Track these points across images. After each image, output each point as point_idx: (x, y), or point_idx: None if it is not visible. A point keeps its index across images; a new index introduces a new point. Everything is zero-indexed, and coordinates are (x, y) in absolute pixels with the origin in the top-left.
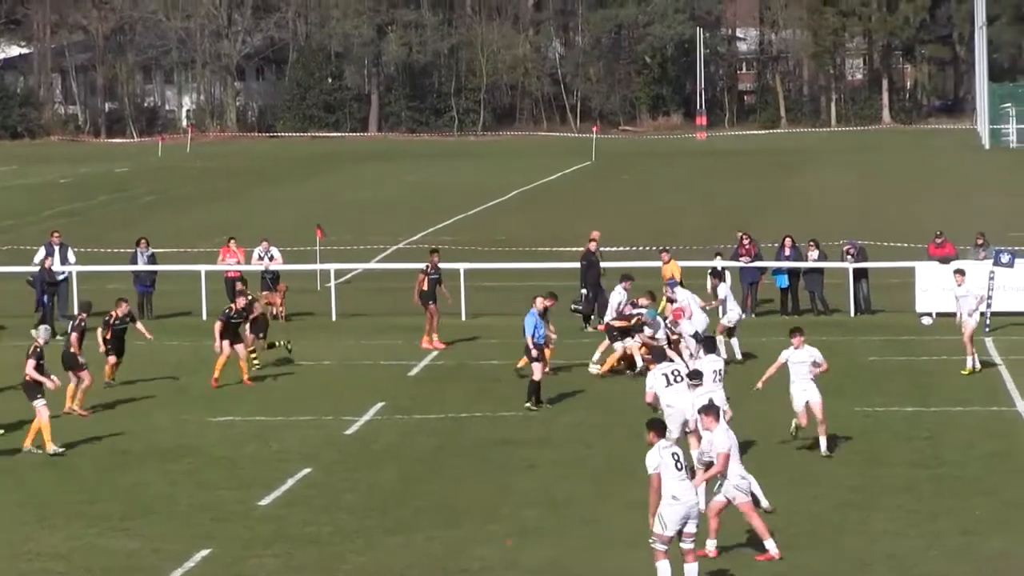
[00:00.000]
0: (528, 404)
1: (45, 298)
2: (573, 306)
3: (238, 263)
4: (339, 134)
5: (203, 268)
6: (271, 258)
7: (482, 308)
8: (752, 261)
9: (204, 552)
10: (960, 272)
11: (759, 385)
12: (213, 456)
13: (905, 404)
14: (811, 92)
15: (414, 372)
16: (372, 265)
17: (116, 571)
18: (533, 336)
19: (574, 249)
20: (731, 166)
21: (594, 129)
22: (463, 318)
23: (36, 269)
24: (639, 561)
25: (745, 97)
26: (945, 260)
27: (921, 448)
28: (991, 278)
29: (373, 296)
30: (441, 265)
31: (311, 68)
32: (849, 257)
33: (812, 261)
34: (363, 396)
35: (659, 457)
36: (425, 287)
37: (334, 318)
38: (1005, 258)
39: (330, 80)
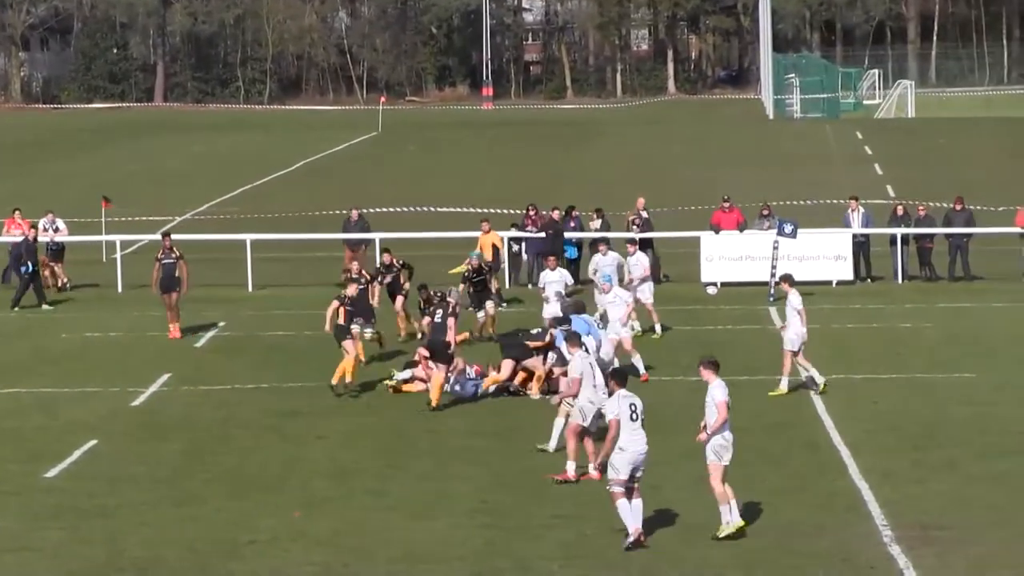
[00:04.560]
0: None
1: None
2: None
3: (23, 234)
4: (125, 104)
5: None
6: (56, 229)
7: (268, 279)
8: (538, 232)
9: None
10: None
11: None
12: None
13: (691, 374)
14: (597, 63)
15: (200, 343)
16: (158, 236)
17: None
18: None
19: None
20: (518, 137)
21: (381, 100)
22: (249, 289)
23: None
24: (424, 531)
25: (531, 68)
26: (718, 230)
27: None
28: (775, 248)
29: None
30: (226, 236)
31: (96, 38)
32: (635, 227)
33: (595, 231)
34: (149, 367)
35: (618, 406)
36: (160, 274)
37: (120, 289)
38: (788, 228)
39: (115, 50)
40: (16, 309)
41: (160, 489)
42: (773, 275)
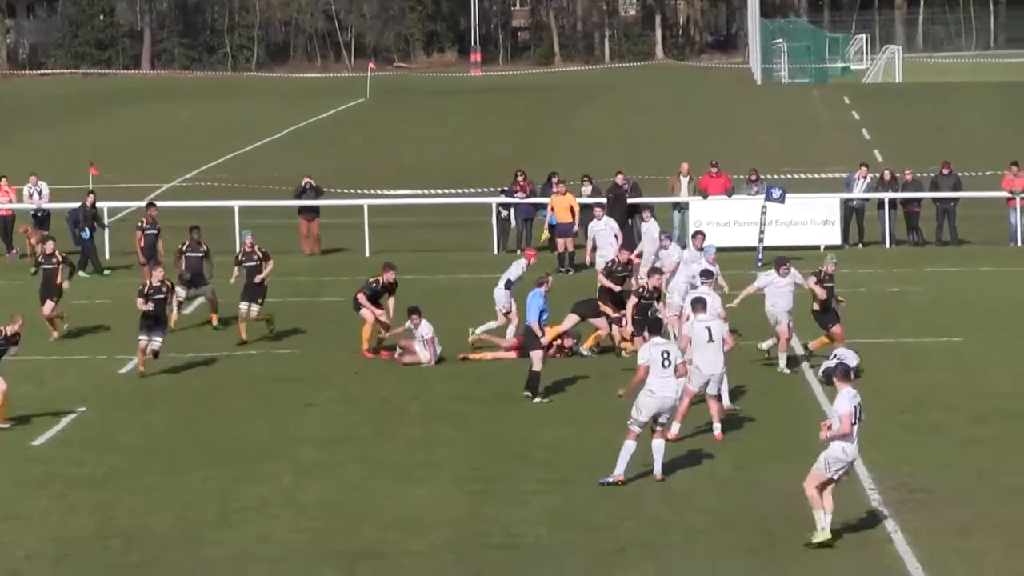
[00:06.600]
0: (528, 395)
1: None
2: None
3: (10, 202)
4: (111, 71)
5: None
6: (40, 193)
7: None
8: (527, 197)
9: None
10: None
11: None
12: None
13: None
14: (585, 28)
15: (189, 310)
16: (143, 204)
17: None
18: (539, 320)
19: (345, 190)
20: (506, 103)
21: (370, 66)
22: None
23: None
24: (413, 498)
25: (519, 34)
26: (706, 195)
27: None
28: (763, 213)
29: None
30: (214, 203)
31: (82, 5)
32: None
33: (586, 197)
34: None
35: (649, 353)
36: (143, 244)
37: (108, 256)
38: (776, 193)
39: (102, 17)
40: (108, 272)
41: (149, 457)
42: (761, 240)
